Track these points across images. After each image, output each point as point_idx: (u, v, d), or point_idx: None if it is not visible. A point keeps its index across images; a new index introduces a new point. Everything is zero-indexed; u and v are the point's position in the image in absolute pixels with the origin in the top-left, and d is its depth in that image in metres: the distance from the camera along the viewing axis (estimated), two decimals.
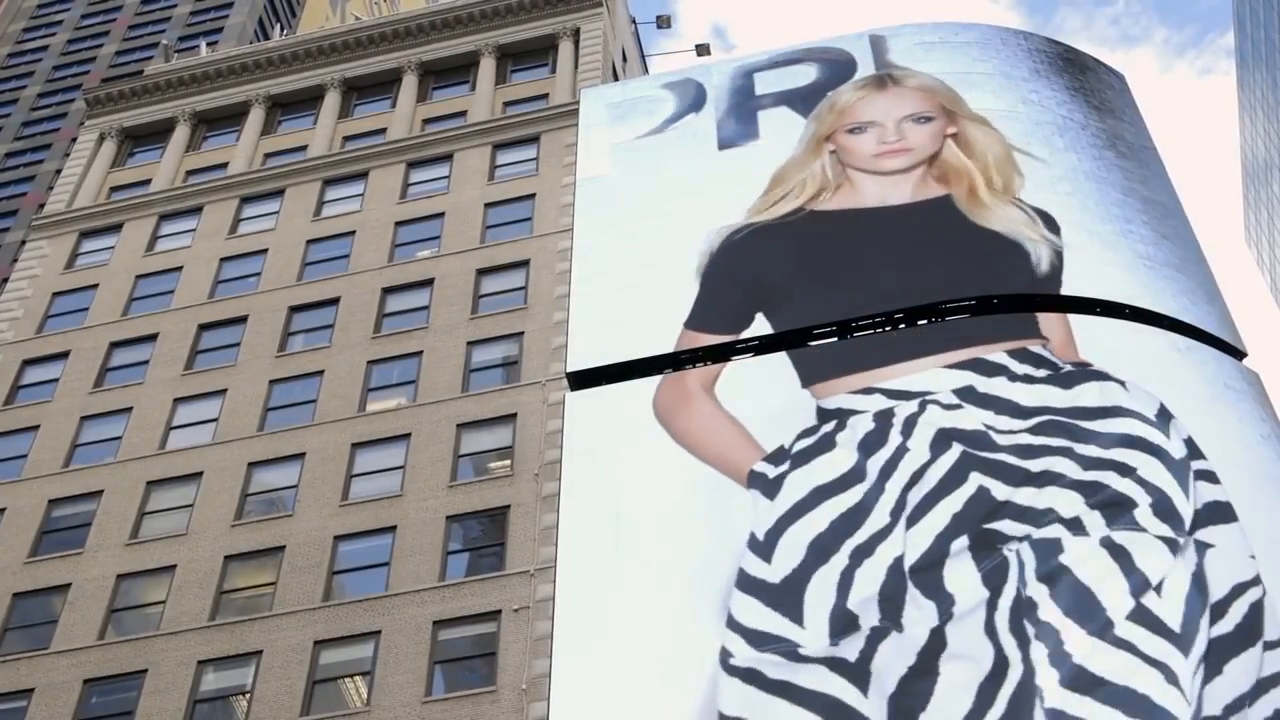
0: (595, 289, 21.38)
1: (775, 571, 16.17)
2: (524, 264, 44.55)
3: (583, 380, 19.98)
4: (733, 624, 15.91)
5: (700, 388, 18.90)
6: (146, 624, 36.66)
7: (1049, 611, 15.18)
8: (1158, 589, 15.26)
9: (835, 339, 19.11)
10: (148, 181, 54.65)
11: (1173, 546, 15.67)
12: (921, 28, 24.70)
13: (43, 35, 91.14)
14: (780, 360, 18.95)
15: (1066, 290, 19.33)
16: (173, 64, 61.98)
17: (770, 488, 17.02)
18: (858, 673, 15.20)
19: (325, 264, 47.28)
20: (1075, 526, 15.91)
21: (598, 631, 16.71)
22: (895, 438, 17.13)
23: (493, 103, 53.54)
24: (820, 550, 16.20)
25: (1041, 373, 17.89)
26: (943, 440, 16.92)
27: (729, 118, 23.48)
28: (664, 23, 65.96)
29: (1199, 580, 15.42)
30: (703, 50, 59.28)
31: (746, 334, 19.40)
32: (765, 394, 18.39)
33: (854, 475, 16.84)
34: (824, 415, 17.79)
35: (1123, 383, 17.72)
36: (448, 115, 53.90)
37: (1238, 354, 19.73)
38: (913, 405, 17.48)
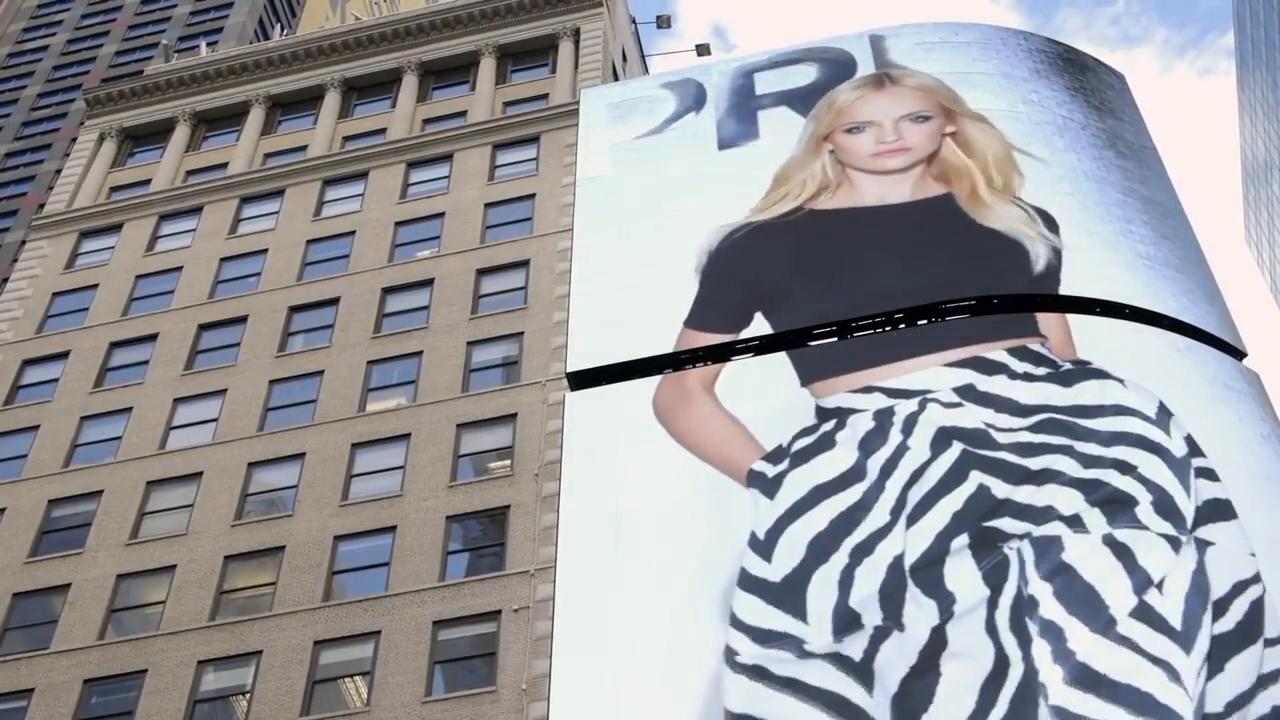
0: (595, 289, 21.39)
1: (776, 570, 16.19)
2: (524, 264, 44.55)
3: (583, 380, 19.99)
4: (737, 623, 15.92)
5: (700, 387, 18.92)
6: (146, 624, 36.66)
7: (1052, 609, 15.19)
8: (1159, 587, 15.28)
9: (835, 339, 19.12)
10: (148, 181, 54.66)
11: (1174, 544, 15.69)
12: (921, 28, 24.71)
13: (43, 35, 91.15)
14: (780, 360, 18.96)
15: (1066, 290, 19.34)
16: (173, 64, 61.98)
17: (770, 487, 17.03)
18: (862, 671, 15.22)
19: (325, 264, 47.28)
20: (1076, 524, 15.92)
21: (598, 631, 16.72)
22: (896, 436, 17.14)
23: (493, 103, 53.54)
24: (820, 549, 16.21)
25: (1041, 371, 17.90)
26: (943, 439, 16.93)
27: (729, 118, 23.49)
28: (664, 23, 65.97)
29: (1199, 578, 15.43)
30: (703, 50, 59.28)
31: (746, 333, 19.42)
32: (765, 393, 18.40)
33: (854, 474, 16.86)
34: (823, 414, 17.80)
35: (1122, 380, 17.74)
36: (448, 115, 53.90)
37: (1238, 354, 19.74)
38: (913, 404, 17.49)
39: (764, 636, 15.69)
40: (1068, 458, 16.65)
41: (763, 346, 19.30)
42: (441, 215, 47.76)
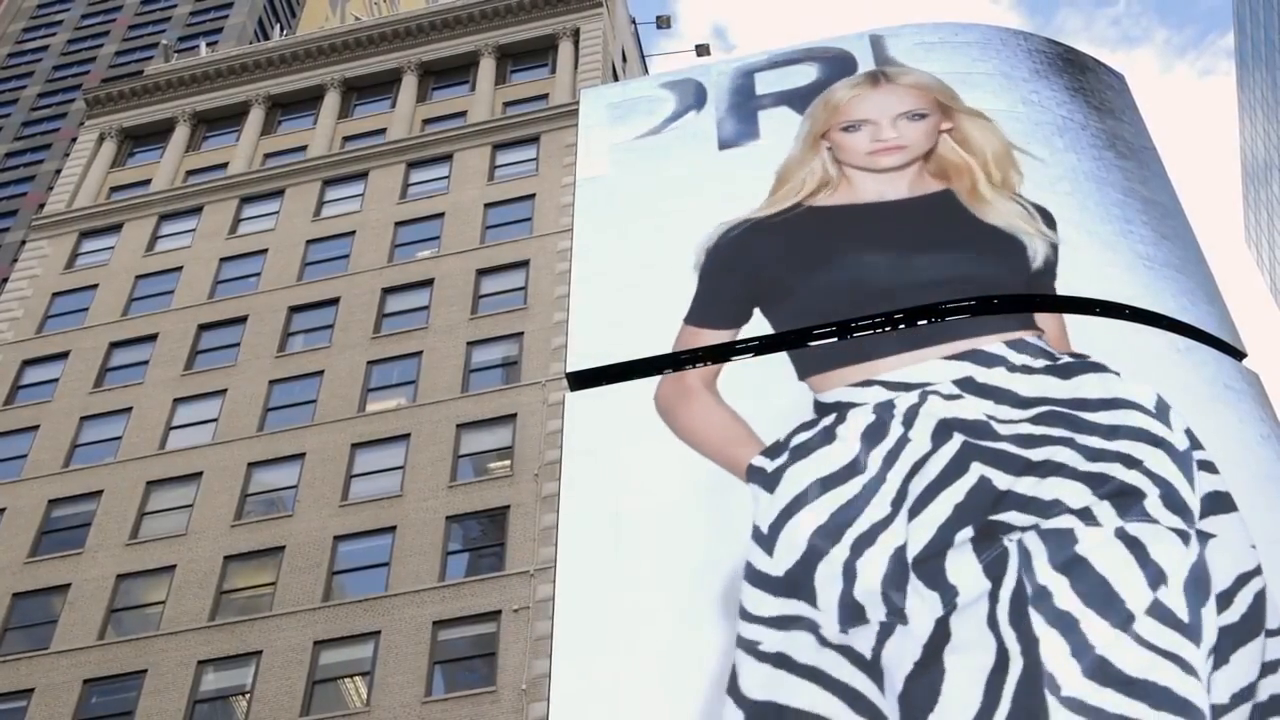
0: (595, 289, 21.40)
1: (779, 564, 16.23)
2: (524, 264, 44.55)
3: (583, 380, 20.01)
4: (749, 616, 15.95)
5: (702, 384, 18.98)
6: (146, 624, 36.66)
7: (1068, 601, 15.19)
8: (1169, 581, 15.34)
9: (835, 339, 19.15)
10: (148, 181, 54.66)
11: (1184, 538, 15.76)
12: (922, 28, 24.73)
13: (43, 35, 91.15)
14: (780, 357, 19.01)
15: (1066, 290, 19.38)
16: (173, 64, 61.98)
17: (769, 481, 17.07)
18: (872, 668, 15.26)
19: (325, 264, 47.28)
20: (1087, 517, 15.96)
21: (598, 631, 16.73)
22: (896, 428, 17.18)
23: (493, 103, 53.55)
24: (823, 541, 16.25)
25: (1039, 363, 17.97)
26: (944, 431, 16.97)
27: (729, 117, 23.50)
28: (664, 23, 65.98)
29: (1198, 570, 15.48)
30: (703, 50, 59.29)
31: (746, 331, 19.45)
32: (766, 389, 18.44)
33: (855, 467, 16.90)
34: (822, 409, 17.85)
35: (1118, 373, 17.80)
36: (448, 115, 53.90)
37: (1238, 354, 19.76)
38: (913, 396, 17.54)
39: (782, 623, 15.73)
40: (1069, 449, 16.69)
41: (763, 347, 19.33)
42: (441, 215, 47.77)
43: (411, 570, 35.57)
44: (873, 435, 17.19)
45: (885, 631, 15.42)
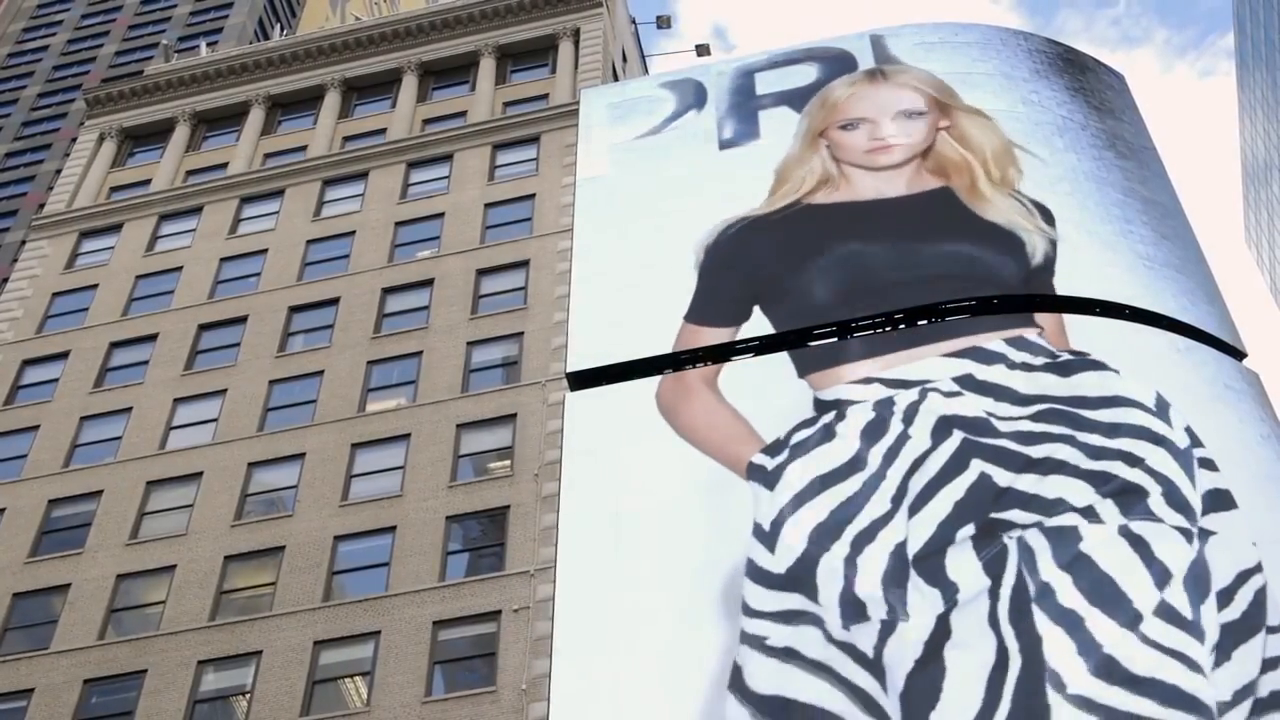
0: (595, 289, 21.42)
1: (780, 562, 16.26)
2: (524, 264, 44.54)
3: (583, 380, 20.03)
4: (753, 612, 15.96)
5: (702, 382, 19.01)
6: (146, 624, 36.64)
7: (1072, 598, 15.21)
8: (1173, 579, 15.35)
9: (835, 339, 19.17)
10: (148, 181, 54.64)
11: (1188, 536, 15.79)
12: (922, 28, 24.75)
13: (43, 35, 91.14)
14: (780, 355, 19.03)
15: (1066, 289, 19.40)
16: (173, 64, 61.97)
17: (769, 479, 17.10)
18: (874, 666, 15.27)
19: (325, 264, 47.26)
20: (1090, 515, 15.99)
21: (598, 631, 16.74)
22: (897, 426, 17.20)
23: (493, 103, 53.54)
24: (823, 538, 16.26)
25: (1039, 361, 18.00)
26: (944, 427, 16.99)
27: (730, 117, 23.52)
28: (664, 23, 65.97)
29: (1197, 567, 15.51)
30: (703, 50, 59.27)
31: (746, 330, 19.47)
32: (766, 388, 18.48)
33: (855, 464, 16.93)
34: (822, 406, 17.87)
35: (1118, 371, 17.82)
36: (448, 115, 53.88)
37: (1238, 354, 19.77)
38: (913, 393, 17.57)
39: (788, 617, 15.76)
40: (1070, 447, 16.72)
41: (763, 347, 19.34)
42: (441, 215, 47.75)
43: (411, 570, 35.57)
44: (873, 432, 17.21)
45: (886, 629, 15.44)
